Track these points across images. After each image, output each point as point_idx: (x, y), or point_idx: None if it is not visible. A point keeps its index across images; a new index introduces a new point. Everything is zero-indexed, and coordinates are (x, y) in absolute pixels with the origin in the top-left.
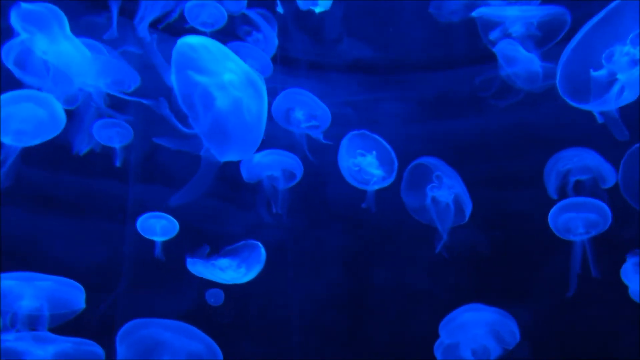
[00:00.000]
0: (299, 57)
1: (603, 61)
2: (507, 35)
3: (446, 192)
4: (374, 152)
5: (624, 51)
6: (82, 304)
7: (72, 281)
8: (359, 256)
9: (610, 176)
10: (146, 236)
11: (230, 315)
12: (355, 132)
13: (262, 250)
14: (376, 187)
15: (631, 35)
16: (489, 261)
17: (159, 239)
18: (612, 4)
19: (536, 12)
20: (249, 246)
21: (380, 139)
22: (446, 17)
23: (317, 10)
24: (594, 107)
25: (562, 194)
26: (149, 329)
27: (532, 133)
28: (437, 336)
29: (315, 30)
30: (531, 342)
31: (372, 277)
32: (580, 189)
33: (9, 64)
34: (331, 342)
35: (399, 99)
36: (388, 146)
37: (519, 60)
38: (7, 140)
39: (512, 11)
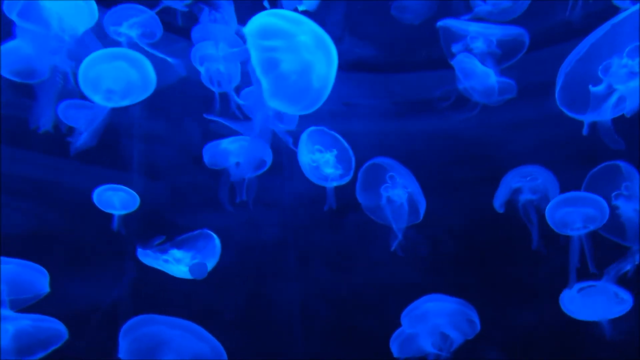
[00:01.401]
0: None
1: (600, 73)
2: (468, 50)
3: (400, 191)
4: (335, 151)
5: (621, 63)
6: (46, 288)
7: (35, 265)
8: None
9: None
10: (104, 209)
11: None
12: (313, 128)
13: (217, 242)
14: (334, 184)
15: (628, 48)
16: (486, 259)
17: (118, 212)
18: (613, 20)
19: (497, 31)
20: (204, 236)
21: (339, 137)
22: (409, 19)
23: (301, 8)
24: (590, 118)
25: (508, 208)
26: (154, 325)
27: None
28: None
29: None
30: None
31: (373, 275)
32: (527, 207)
33: (13, 16)
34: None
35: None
36: (346, 144)
37: (475, 74)
38: (97, 99)
39: (475, 27)
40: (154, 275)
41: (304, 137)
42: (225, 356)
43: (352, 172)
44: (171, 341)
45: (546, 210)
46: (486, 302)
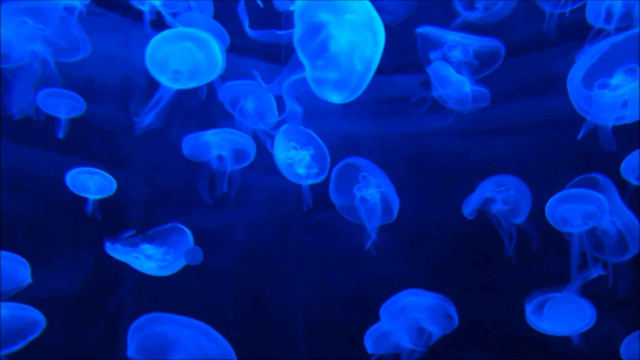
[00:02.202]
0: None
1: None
2: (445, 58)
3: (373, 191)
4: (311, 149)
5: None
6: (27, 279)
7: (16, 256)
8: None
9: (522, 214)
10: (78, 193)
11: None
12: (288, 125)
13: (190, 237)
14: (310, 182)
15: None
16: (486, 257)
17: (93, 196)
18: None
19: (474, 42)
20: (176, 230)
21: (314, 135)
22: (386, 20)
23: (292, 8)
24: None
25: (477, 213)
26: (163, 324)
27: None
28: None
29: None
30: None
31: (376, 273)
32: (498, 216)
33: None
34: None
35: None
36: (321, 142)
37: (450, 82)
38: (163, 80)
39: (453, 36)
40: (154, 276)
41: (279, 133)
42: (234, 357)
43: (327, 171)
44: (181, 341)
45: (546, 207)
46: (465, 299)
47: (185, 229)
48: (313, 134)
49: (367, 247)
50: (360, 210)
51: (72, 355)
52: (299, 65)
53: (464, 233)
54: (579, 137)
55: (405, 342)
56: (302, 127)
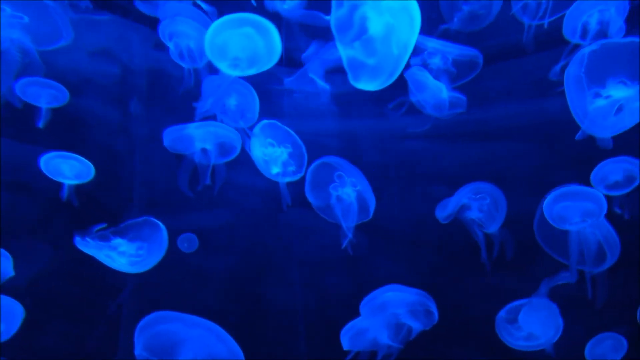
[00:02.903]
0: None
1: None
2: (425, 65)
3: (349, 190)
4: (289, 146)
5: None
6: (10, 272)
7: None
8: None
9: (495, 224)
10: (52, 177)
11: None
12: (266, 121)
13: (165, 233)
14: (287, 179)
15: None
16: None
17: (69, 181)
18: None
19: (454, 50)
20: (150, 224)
21: (292, 132)
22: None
23: (285, 7)
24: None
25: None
26: (171, 323)
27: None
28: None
29: (321, 33)
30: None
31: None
32: (472, 223)
33: None
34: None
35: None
36: (299, 140)
37: (428, 87)
38: (222, 67)
39: (434, 43)
40: (155, 276)
41: (256, 130)
42: (242, 357)
43: (304, 169)
44: (189, 340)
45: (543, 205)
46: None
47: (159, 223)
48: (290, 131)
49: (343, 246)
50: (336, 209)
51: (73, 356)
52: (333, 47)
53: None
54: (577, 138)
55: (384, 338)
56: (278, 123)
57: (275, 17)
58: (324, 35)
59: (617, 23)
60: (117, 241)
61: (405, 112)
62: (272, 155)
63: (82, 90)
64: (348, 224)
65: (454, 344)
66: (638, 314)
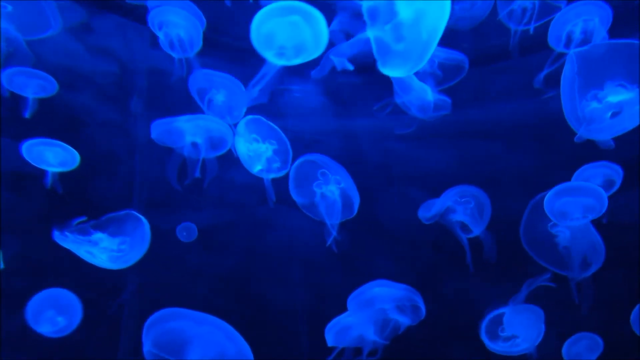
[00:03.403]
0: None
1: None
2: None
3: (333, 187)
4: (274, 142)
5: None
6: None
7: None
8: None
9: (477, 229)
10: (36, 165)
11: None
12: (250, 116)
13: (147, 227)
14: (272, 176)
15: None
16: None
17: (54, 169)
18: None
19: (440, 53)
20: (132, 218)
21: (277, 128)
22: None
23: None
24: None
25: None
26: (179, 320)
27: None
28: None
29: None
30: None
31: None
32: (455, 226)
33: None
34: None
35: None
36: (284, 136)
37: (413, 89)
38: (268, 55)
39: None
40: (157, 276)
41: (241, 125)
42: (251, 357)
43: (289, 165)
44: (197, 337)
45: (544, 201)
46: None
47: (141, 217)
48: (275, 127)
49: (328, 243)
50: (320, 207)
51: (74, 356)
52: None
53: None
54: (576, 140)
55: (370, 334)
56: (263, 118)
57: None
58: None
59: (600, 33)
60: (98, 236)
61: (392, 113)
62: (257, 151)
63: (82, 89)
64: (332, 222)
65: (443, 344)
66: (632, 315)
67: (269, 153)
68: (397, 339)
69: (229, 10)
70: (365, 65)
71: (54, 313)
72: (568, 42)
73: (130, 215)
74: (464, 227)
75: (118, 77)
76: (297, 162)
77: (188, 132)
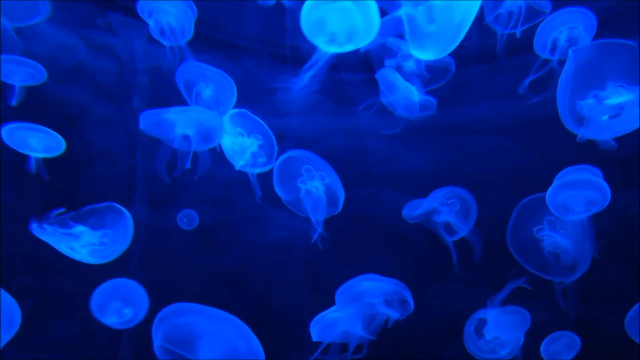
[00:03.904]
0: (310, 56)
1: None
2: (399, 67)
3: (318, 183)
4: (259, 136)
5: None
6: None
7: None
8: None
9: (462, 231)
10: (17, 149)
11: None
12: (236, 110)
13: (130, 221)
14: (257, 171)
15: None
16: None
17: (38, 154)
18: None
19: None
20: (113, 210)
21: (262, 122)
22: None
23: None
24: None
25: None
26: (190, 315)
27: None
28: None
29: None
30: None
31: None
32: (439, 227)
33: None
34: None
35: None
36: (269, 130)
37: (398, 88)
38: (319, 42)
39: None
40: (159, 275)
41: (225, 119)
42: (262, 357)
43: (274, 160)
44: (208, 333)
45: (547, 195)
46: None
47: (123, 209)
48: (261, 121)
49: (313, 239)
50: (305, 203)
51: (74, 356)
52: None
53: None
54: (578, 140)
55: (357, 329)
56: (248, 112)
57: (280, 14)
58: None
59: (585, 41)
60: (79, 229)
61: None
62: (242, 145)
63: (83, 89)
64: (317, 218)
65: (429, 342)
66: (627, 318)
67: (254, 148)
68: (383, 335)
69: (228, 8)
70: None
71: (120, 305)
72: (553, 49)
73: (111, 208)
74: (449, 228)
75: (118, 75)
76: (280, 158)
77: (179, 124)
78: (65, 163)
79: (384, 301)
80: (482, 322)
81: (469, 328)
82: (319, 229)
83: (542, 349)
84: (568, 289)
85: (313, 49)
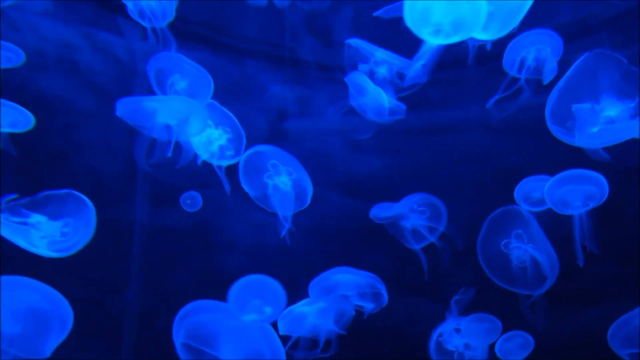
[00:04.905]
0: (308, 59)
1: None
2: (372, 73)
3: (285, 178)
4: (228, 128)
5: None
6: None
7: None
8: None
9: (428, 239)
10: None
11: None
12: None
13: (93, 211)
14: (225, 163)
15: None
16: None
17: (4, 130)
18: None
19: (399, 62)
20: (73, 198)
21: (230, 114)
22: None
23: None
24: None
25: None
26: (211, 313)
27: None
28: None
29: (324, 33)
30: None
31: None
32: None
33: None
34: None
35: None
36: (237, 123)
37: (368, 92)
38: (424, 34)
39: (381, 54)
40: (159, 274)
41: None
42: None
43: (242, 152)
44: (229, 332)
45: (545, 190)
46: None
47: (85, 198)
48: (230, 113)
49: (282, 235)
50: (273, 198)
51: (75, 355)
52: None
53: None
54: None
55: (329, 323)
56: (217, 103)
57: (279, 15)
58: (329, 35)
59: (551, 63)
60: (37, 218)
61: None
62: (210, 137)
63: (83, 87)
64: (284, 213)
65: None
66: (609, 332)
67: (223, 140)
68: (353, 330)
69: (226, 9)
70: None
71: (260, 302)
72: (521, 68)
73: (71, 195)
74: (417, 234)
75: (119, 75)
76: (245, 154)
77: (160, 113)
78: (64, 162)
79: (358, 294)
80: (451, 331)
81: (435, 336)
82: (287, 225)
83: (496, 347)
84: (536, 302)
85: (312, 50)
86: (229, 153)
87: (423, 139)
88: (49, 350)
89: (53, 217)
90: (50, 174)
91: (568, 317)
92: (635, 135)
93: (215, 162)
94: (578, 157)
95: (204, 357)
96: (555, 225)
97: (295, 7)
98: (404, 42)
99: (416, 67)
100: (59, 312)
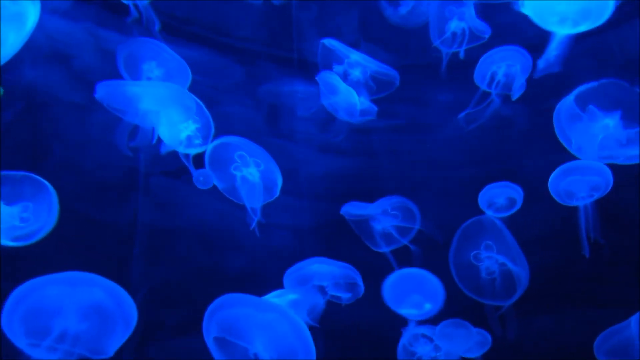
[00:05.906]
0: (315, 61)
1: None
2: (345, 75)
3: (253, 170)
4: (197, 118)
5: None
6: None
7: None
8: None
9: (398, 243)
10: None
11: None
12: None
13: (55, 197)
14: (192, 151)
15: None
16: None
17: None
18: None
19: (373, 65)
20: (32, 181)
21: (200, 103)
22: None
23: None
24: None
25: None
26: (244, 308)
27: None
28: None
29: (332, 35)
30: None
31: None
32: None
33: None
34: None
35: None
36: (206, 112)
37: (339, 91)
38: (550, 24)
39: (355, 56)
40: (160, 274)
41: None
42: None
43: (210, 141)
44: (260, 327)
45: (549, 181)
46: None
47: (45, 181)
48: (199, 101)
49: (252, 227)
50: (241, 190)
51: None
52: None
53: None
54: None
55: (301, 314)
56: (186, 91)
57: (286, 16)
58: (337, 37)
59: (519, 80)
60: None
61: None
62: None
63: (83, 87)
64: (253, 205)
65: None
66: (595, 342)
67: (191, 128)
68: (325, 321)
69: (232, 10)
70: None
71: (420, 298)
72: (491, 82)
73: (29, 178)
74: (388, 237)
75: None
76: (211, 146)
77: (145, 99)
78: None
79: (334, 284)
80: (420, 336)
81: (403, 341)
82: (256, 217)
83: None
84: (506, 313)
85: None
86: (197, 142)
87: (394, 139)
88: (112, 349)
89: (10, 200)
90: (50, 173)
91: (549, 320)
92: None
93: (182, 150)
94: (552, 163)
95: (236, 353)
96: (550, 224)
97: (301, 7)
98: (412, 43)
99: (550, 57)
100: (123, 310)
